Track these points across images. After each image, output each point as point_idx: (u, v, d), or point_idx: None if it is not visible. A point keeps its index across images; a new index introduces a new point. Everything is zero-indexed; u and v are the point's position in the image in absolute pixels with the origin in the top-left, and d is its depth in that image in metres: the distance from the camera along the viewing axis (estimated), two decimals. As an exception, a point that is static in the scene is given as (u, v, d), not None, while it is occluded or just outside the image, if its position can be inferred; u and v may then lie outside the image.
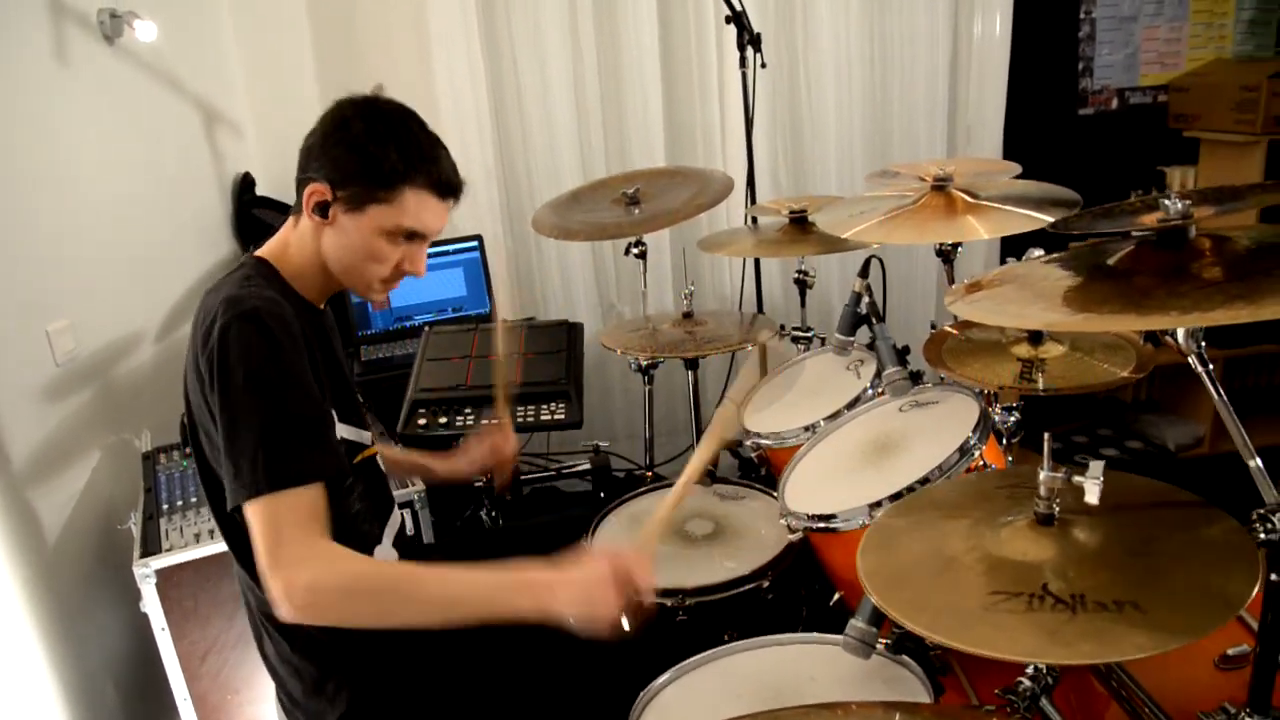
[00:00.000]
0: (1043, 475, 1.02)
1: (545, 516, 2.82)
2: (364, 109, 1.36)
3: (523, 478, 2.47)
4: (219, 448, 1.25)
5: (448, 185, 1.38)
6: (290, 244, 1.41)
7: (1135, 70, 3.55)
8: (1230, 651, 1.36)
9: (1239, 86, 3.18)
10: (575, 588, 1.21)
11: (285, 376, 1.24)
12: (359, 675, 1.40)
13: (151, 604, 1.86)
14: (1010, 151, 3.34)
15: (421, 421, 2.10)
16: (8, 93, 2.03)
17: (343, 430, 1.43)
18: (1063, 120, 3.55)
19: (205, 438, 1.34)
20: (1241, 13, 3.53)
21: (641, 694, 1.29)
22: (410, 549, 1.62)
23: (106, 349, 2.26)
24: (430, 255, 2.85)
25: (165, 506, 2.02)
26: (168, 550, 1.88)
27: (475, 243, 2.90)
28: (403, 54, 3.12)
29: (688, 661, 1.33)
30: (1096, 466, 0.99)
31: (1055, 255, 1.29)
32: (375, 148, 1.31)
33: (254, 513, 1.20)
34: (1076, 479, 1.00)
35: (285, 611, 1.17)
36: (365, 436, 1.52)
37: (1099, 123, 3.58)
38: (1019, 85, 3.33)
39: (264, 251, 1.43)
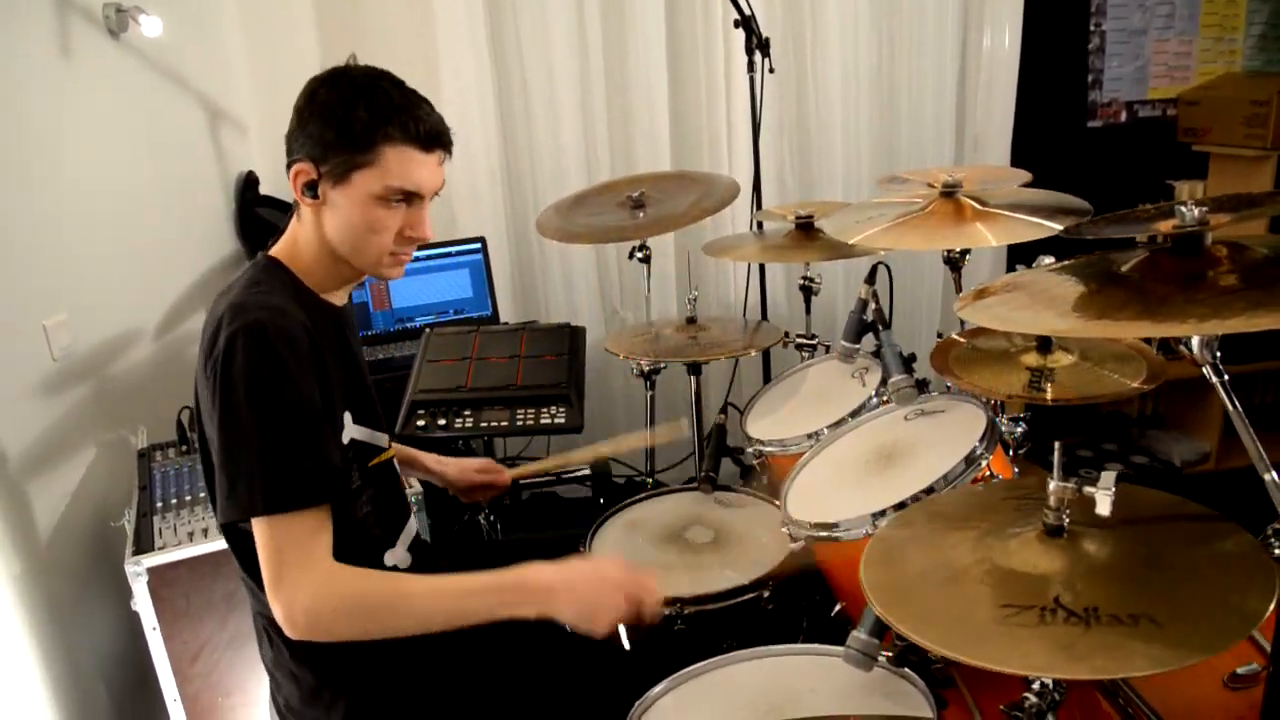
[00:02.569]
0: (1052, 485, 0.99)
1: (545, 526, 2.78)
2: (331, 78, 1.31)
3: (521, 483, 2.44)
4: (215, 459, 1.23)
5: (430, 135, 1.30)
6: (298, 239, 1.37)
7: (1145, 83, 3.52)
8: (1240, 670, 1.33)
9: (1249, 101, 3.16)
10: (577, 592, 1.20)
11: (287, 394, 1.20)
12: (356, 685, 1.37)
13: (143, 602, 1.83)
14: (1018, 162, 3.32)
15: (420, 423, 2.07)
16: (10, 85, 2.01)
17: (356, 431, 1.39)
18: (1071, 132, 3.53)
19: (211, 442, 1.31)
20: (1252, 27, 3.51)
21: (637, 704, 1.26)
22: (422, 553, 1.59)
23: (105, 345, 2.24)
24: (434, 257, 2.85)
25: (159, 504, 1.99)
26: (160, 548, 1.85)
27: (479, 244, 2.88)
28: (409, 54, 3.10)
29: (684, 671, 1.30)
30: (1108, 477, 0.97)
31: (1066, 262, 1.27)
32: (344, 111, 1.26)
33: (257, 531, 1.20)
34: (1087, 489, 0.98)
35: (290, 633, 1.18)
36: (381, 439, 1.48)
37: (1108, 135, 3.56)
38: (1028, 97, 3.31)
39: (276, 250, 1.40)
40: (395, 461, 1.56)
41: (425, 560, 1.54)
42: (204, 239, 2.78)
